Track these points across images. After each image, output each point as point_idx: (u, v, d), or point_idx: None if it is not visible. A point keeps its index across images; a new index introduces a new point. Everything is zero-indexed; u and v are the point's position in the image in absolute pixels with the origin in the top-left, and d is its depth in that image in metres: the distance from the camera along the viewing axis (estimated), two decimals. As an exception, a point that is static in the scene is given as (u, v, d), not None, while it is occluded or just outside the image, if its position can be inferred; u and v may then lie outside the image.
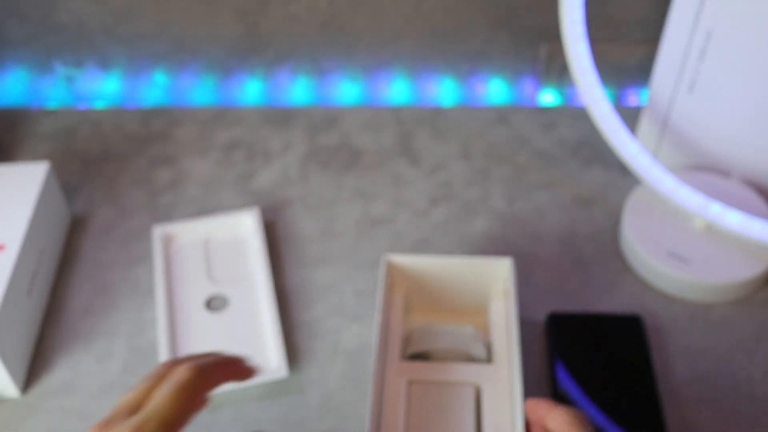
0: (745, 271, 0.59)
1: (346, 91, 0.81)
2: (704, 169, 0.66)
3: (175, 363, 0.41)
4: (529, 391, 0.54)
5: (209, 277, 0.61)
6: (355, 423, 0.53)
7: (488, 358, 0.53)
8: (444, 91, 0.81)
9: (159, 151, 0.74)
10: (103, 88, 0.81)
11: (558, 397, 0.52)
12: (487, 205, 0.68)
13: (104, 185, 0.71)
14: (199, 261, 0.63)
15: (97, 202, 0.69)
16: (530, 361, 0.56)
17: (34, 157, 0.73)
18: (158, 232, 0.64)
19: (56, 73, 0.79)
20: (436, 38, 0.76)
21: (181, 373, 0.39)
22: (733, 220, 0.58)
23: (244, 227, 0.65)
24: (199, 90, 0.81)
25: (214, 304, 0.60)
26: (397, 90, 0.81)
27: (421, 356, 0.53)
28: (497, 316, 0.55)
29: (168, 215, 0.68)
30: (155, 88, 0.81)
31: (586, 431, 0.43)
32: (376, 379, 0.49)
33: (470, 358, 0.53)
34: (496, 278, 0.56)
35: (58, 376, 0.56)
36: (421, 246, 0.64)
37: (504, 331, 0.54)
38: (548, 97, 0.80)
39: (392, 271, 0.55)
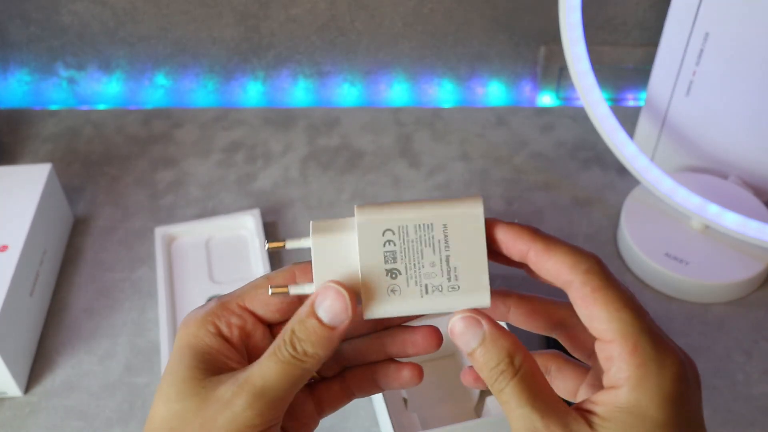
0: (741, 272, 0.59)
1: (346, 92, 0.81)
2: (701, 170, 0.66)
3: None
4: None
5: (210, 278, 0.62)
6: (355, 421, 0.53)
7: None
8: (443, 93, 0.81)
9: (161, 153, 0.74)
10: (105, 90, 0.81)
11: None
12: (486, 206, 0.68)
13: (106, 186, 0.71)
14: (201, 262, 0.63)
15: (99, 203, 0.69)
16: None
17: (37, 158, 0.74)
18: (160, 233, 0.64)
19: (58, 75, 0.80)
20: (435, 40, 0.77)
21: None
22: (731, 220, 0.58)
23: (245, 228, 0.65)
24: (200, 92, 0.81)
25: (215, 304, 0.60)
26: (396, 92, 0.81)
27: None
28: None
29: (169, 216, 0.68)
30: (157, 90, 0.81)
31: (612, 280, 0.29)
32: None
33: None
34: None
35: (60, 375, 0.57)
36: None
37: None
38: (547, 99, 0.81)
39: None
